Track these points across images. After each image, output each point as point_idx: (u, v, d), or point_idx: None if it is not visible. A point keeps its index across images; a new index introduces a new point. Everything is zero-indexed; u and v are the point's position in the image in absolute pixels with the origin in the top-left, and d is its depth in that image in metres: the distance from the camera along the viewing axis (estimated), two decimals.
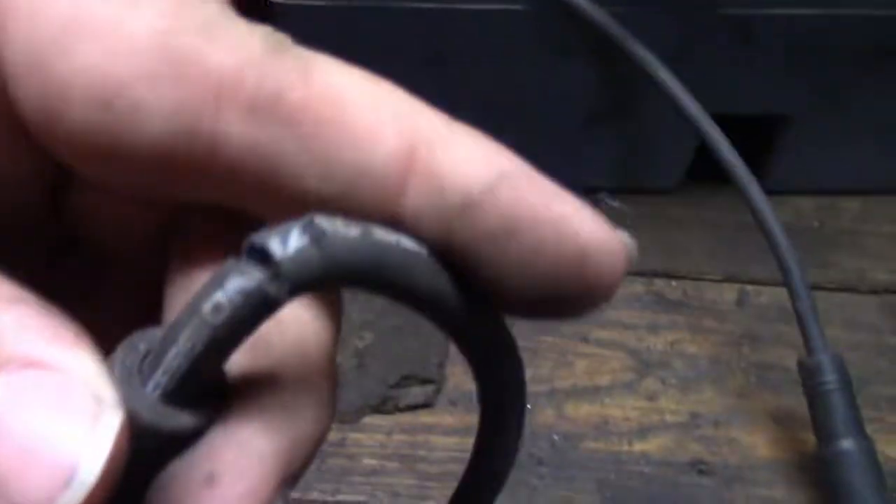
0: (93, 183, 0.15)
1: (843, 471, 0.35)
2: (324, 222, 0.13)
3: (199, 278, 0.15)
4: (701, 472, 0.38)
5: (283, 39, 0.14)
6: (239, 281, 0.13)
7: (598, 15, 0.38)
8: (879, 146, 0.48)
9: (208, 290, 0.14)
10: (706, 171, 0.44)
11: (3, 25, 0.14)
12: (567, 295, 0.15)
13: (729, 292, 0.45)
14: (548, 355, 0.42)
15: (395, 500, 0.37)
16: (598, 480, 0.37)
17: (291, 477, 0.15)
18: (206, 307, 0.13)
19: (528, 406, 0.40)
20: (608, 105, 0.45)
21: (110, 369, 0.14)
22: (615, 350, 0.42)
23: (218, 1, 0.14)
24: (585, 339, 0.43)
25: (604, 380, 0.41)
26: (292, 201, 0.14)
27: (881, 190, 0.50)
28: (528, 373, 0.42)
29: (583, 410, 0.40)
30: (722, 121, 0.46)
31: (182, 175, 0.14)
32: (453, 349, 0.40)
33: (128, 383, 0.14)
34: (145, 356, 0.14)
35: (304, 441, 0.15)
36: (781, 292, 0.40)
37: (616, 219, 0.48)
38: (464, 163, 0.14)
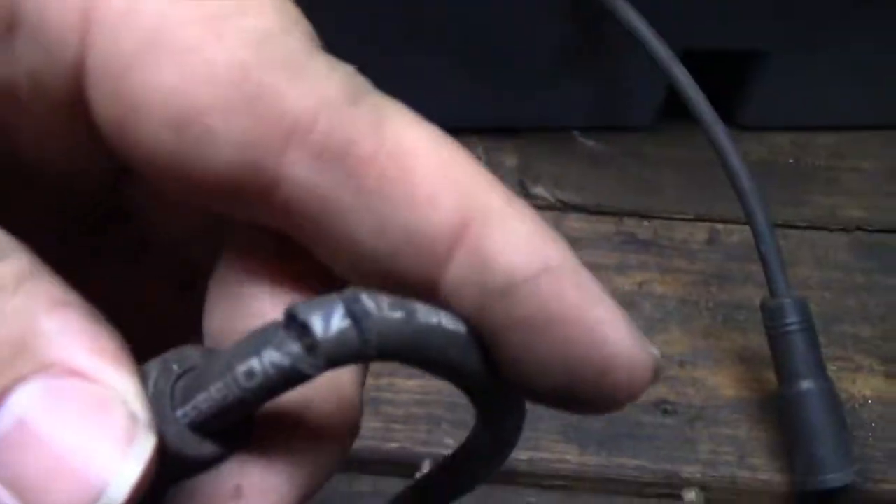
0: (157, 187, 0.16)
1: (803, 410, 0.35)
2: (368, 302, 0.13)
3: (242, 286, 0.16)
4: (665, 411, 0.38)
5: (362, 84, 0.15)
6: (275, 355, 0.13)
7: None
8: (856, 82, 0.47)
9: (245, 352, 0.14)
10: (682, 109, 0.43)
11: (89, 30, 0.14)
12: (585, 397, 0.15)
13: (700, 232, 0.45)
14: None
15: (361, 442, 0.37)
16: (561, 420, 0.38)
17: (310, 496, 0.15)
18: (240, 370, 0.14)
19: None
20: (579, 43, 0.45)
21: (145, 388, 0.14)
22: None
23: (303, 34, 0.15)
24: None
25: None
26: (343, 248, 0.15)
27: (858, 126, 0.49)
28: None
29: None
30: (695, 56, 0.45)
31: (241, 202, 0.15)
32: None
33: (159, 405, 0.14)
34: (178, 378, 0.15)
35: (329, 465, 0.15)
36: None
37: (589, 157, 0.48)
38: (513, 246, 0.14)
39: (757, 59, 0.46)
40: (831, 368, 0.40)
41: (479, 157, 0.49)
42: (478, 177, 0.15)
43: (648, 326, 0.41)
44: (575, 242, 0.44)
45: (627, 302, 0.42)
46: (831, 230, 0.46)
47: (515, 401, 0.17)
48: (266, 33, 0.14)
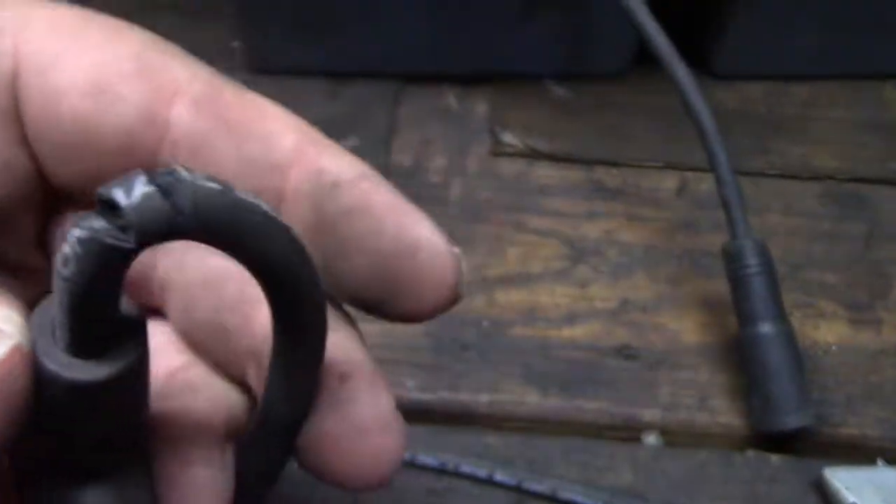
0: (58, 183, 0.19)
1: (762, 352, 0.35)
2: (182, 172, 0.14)
3: None
4: (627, 356, 0.39)
5: (229, 80, 0.19)
6: (79, 232, 0.14)
7: None
8: (828, 31, 0.47)
9: (61, 245, 0.14)
10: (653, 57, 0.43)
11: (20, 48, 0.18)
12: (400, 286, 0.18)
13: (670, 180, 0.45)
14: (482, 243, 0.42)
15: None
16: (523, 364, 0.38)
17: None
18: (58, 259, 0.14)
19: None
20: None
21: (27, 325, 0.15)
22: (550, 238, 0.42)
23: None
24: (521, 227, 0.43)
25: (536, 267, 0.41)
26: (210, 170, 0.17)
27: (832, 75, 0.49)
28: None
29: (513, 297, 0.40)
30: (667, 4, 0.44)
31: (140, 154, 0.18)
32: None
33: (42, 339, 0.15)
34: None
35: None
36: None
37: (560, 105, 0.48)
38: (340, 161, 0.18)
39: (727, 6, 0.46)
40: (796, 315, 0.40)
41: (450, 105, 0.49)
42: (307, 125, 0.19)
43: (614, 273, 0.41)
44: (544, 190, 0.44)
45: (594, 249, 0.42)
46: (802, 179, 0.45)
47: (320, 306, 0.17)
48: (149, 39, 0.19)
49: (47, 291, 0.15)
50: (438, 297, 0.18)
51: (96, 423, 0.16)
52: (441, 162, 0.45)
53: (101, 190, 0.14)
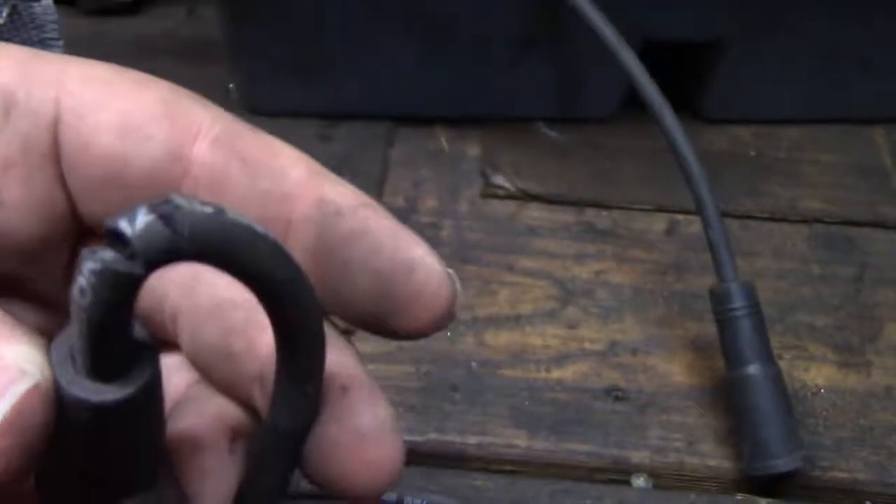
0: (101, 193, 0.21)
1: (750, 395, 0.35)
2: (179, 200, 0.15)
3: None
4: (616, 398, 0.38)
5: (237, 119, 0.21)
6: (91, 264, 0.15)
7: None
8: (817, 74, 0.48)
9: (75, 276, 0.15)
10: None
11: (61, 100, 0.20)
12: (398, 304, 0.19)
13: (659, 222, 0.45)
14: (472, 283, 0.42)
15: None
16: (511, 406, 0.38)
17: None
18: (75, 291, 0.15)
19: (449, 334, 0.40)
20: (539, 33, 0.45)
21: (48, 357, 0.16)
22: (540, 279, 0.42)
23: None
24: (511, 268, 0.43)
25: (526, 308, 0.41)
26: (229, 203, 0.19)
27: (821, 118, 0.50)
28: None
29: (502, 338, 0.40)
30: (656, 48, 0.45)
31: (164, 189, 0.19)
32: None
33: (62, 368, 0.16)
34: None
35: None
36: None
37: (551, 147, 0.48)
38: (342, 190, 0.20)
39: (717, 51, 0.46)
40: (785, 357, 0.40)
41: (442, 147, 0.50)
42: (314, 161, 0.20)
43: (603, 314, 0.41)
44: (534, 231, 0.44)
45: (584, 290, 0.42)
46: (791, 222, 0.46)
47: (317, 316, 0.18)
48: (175, 88, 0.21)
49: None
50: (434, 314, 0.19)
51: (122, 441, 0.17)
52: (432, 203, 0.45)
53: (107, 222, 0.15)
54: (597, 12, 0.38)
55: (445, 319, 0.20)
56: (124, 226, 0.15)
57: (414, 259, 0.19)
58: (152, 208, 0.15)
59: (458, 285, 0.20)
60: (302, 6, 0.44)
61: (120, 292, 0.15)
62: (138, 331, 0.17)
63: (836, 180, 0.47)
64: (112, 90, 0.20)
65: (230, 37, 0.46)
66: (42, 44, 0.45)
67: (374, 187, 0.45)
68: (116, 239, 0.15)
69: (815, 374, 0.40)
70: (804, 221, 0.46)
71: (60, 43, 0.45)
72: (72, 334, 0.16)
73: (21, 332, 0.17)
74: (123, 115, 0.20)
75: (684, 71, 0.49)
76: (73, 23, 0.53)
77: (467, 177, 0.47)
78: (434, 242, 0.43)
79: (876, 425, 0.38)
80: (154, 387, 0.17)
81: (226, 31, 0.46)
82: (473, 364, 0.39)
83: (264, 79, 0.47)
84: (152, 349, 0.17)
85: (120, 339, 0.16)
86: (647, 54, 0.45)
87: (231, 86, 0.50)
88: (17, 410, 0.16)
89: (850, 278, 0.43)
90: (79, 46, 0.51)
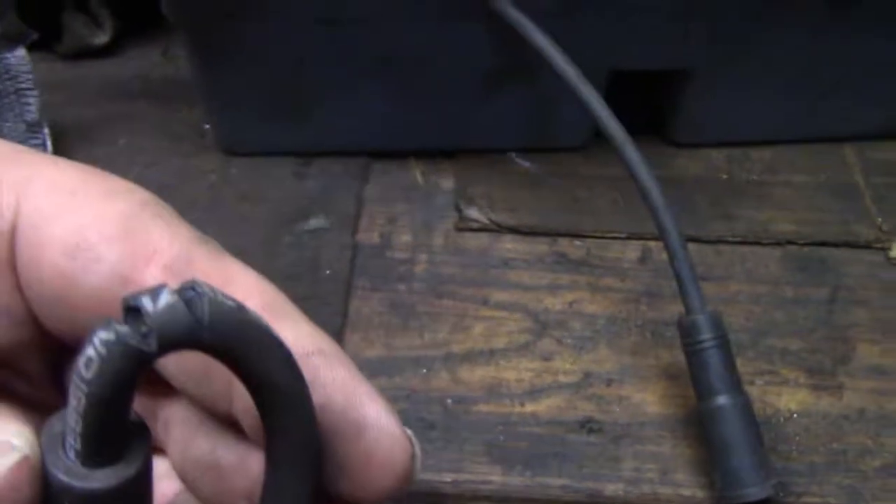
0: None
1: (720, 425, 0.35)
2: (204, 287, 0.15)
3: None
4: (590, 430, 0.39)
5: (208, 238, 0.20)
6: (104, 335, 0.14)
7: None
8: (786, 96, 0.48)
9: (83, 347, 0.15)
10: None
11: (20, 210, 0.19)
12: (342, 468, 0.18)
13: (632, 250, 0.46)
14: (447, 319, 0.42)
15: None
16: (486, 442, 0.38)
17: None
18: (80, 362, 0.15)
19: (424, 371, 0.40)
20: (507, 66, 0.45)
21: (36, 438, 0.16)
22: (514, 312, 0.43)
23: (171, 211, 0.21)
24: (485, 302, 0.43)
25: (500, 342, 0.42)
26: None
27: (792, 139, 0.50)
28: (426, 338, 0.42)
29: (477, 373, 0.40)
30: (623, 76, 0.46)
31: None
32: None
33: (51, 451, 0.16)
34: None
35: None
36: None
37: (524, 178, 0.48)
38: (298, 333, 0.19)
39: (686, 77, 0.47)
40: (758, 383, 0.40)
41: (417, 181, 0.50)
42: (275, 291, 0.20)
43: (578, 345, 0.42)
44: (508, 263, 0.45)
45: (558, 322, 0.42)
46: (764, 244, 0.46)
47: (312, 426, 0.17)
48: (142, 201, 0.20)
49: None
50: (386, 480, 0.18)
51: None
52: (407, 238, 0.46)
53: (128, 297, 0.15)
54: (558, 52, 0.39)
55: (401, 485, 0.18)
56: (146, 301, 0.14)
57: (366, 417, 0.18)
58: (177, 290, 0.15)
59: (417, 449, 0.18)
60: (274, 49, 0.44)
61: (128, 369, 0.15)
62: (133, 416, 0.16)
63: (809, 201, 0.48)
64: (75, 201, 0.19)
65: (203, 80, 0.46)
66: (17, 94, 0.46)
67: (349, 224, 0.46)
68: (135, 314, 0.14)
69: (788, 399, 0.40)
70: (777, 244, 0.46)
71: (35, 93, 0.46)
72: (64, 416, 0.16)
73: (10, 411, 0.17)
74: (77, 231, 0.19)
75: (655, 96, 0.50)
76: (48, 66, 0.53)
77: (442, 210, 0.47)
78: (409, 278, 0.44)
79: (849, 448, 0.38)
80: (143, 474, 0.17)
81: (198, 75, 0.46)
82: (449, 401, 0.39)
83: (239, 120, 0.48)
84: (145, 436, 0.17)
85: (116, 421, 0.16)
86: (618, 81, 0.46)
87: (206, 126, 0.50)
88: (7, 482, 0.16)
89: (823, 300, 0.44)
90: (55, 91, 0.52)
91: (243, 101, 0.47)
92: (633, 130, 0.40)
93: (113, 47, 0.55)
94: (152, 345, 0.14)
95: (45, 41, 0.54)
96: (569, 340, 0.42)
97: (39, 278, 0.19)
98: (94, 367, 0.14)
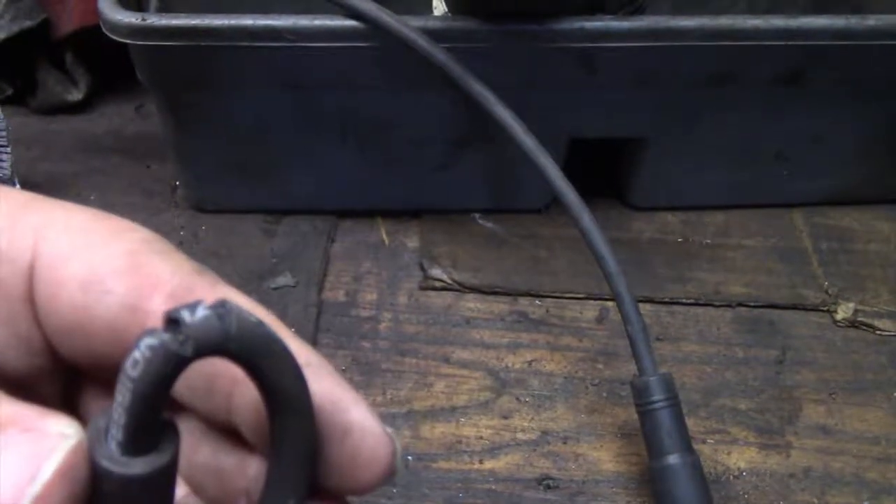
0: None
1: (670, 485, 0.37)
2: (232, 305, 0.18)
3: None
4: (547, 487, 0.40)
5: (206, 269, 0.22)
6: (149, 340, 0.17)
7: (437, 53, 0.40)
8: (736, 164, 0.50)
9: (129, 351, 0.18)
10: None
11: (39, 249, 0.21)
12: (332, 467, 0.20)
13: (590, 309, 0.47)
14: (409, 377, 0.43)
15: None
16: (446, 499, 0.39)
17: None
18: (127, 364, 0.17)
19: (387, 428, 0.41)
20: (469, 131, 0.47)
21: (83, 429, 0.18)
22: (475, 370, 0.44)
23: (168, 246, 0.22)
24: (447, 360, 0.44)
25: (461, 399, 0.43)
26: None
27: (743, 204, 0.52)
28: (389, 395, 0.43)
29: (438, 431, 0.42)
30: (582, 143, 0.47)
31: (123, 343, 0.21)
32: None
33: (95, 442, 0.18)
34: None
35: None
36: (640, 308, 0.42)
37: (487, 239, 0.50)
38: (293, 347, 0.20)
39: (642, 145, 0.49)
40: (709, 442, 0.42)
41: (383, 240, 0.51)
42: (264, 311, 0.21)
43: (536, 404, 0.43)
44: (470, 322, 0.46)
45: (517, 380, 0.44)
46: (716, 306, 0.48)
47: (312, 429, 0.20)
48: (145, 239, 0.22)
49: None
50: (370, 476, 0.20)
51: None
52: (372, 297, 0.47)
53: (170, 310, 0.17)
54: (518, 123, 0.40)
55: (385, 478, 0.21)
56: (185, 314, 0.17)
57: (351, 422, 0.20)
58: (210, 306, 0.18)
59: (397, 444, 0.21)
60: (240, 114, 0.46)
61: (167, 370, 0.17)
62: (165, 415, 0.19)
63: (759, 264, 0.50)
64: (87, 240, 0.22)
65: (173, 140, 0.47)
66: None
67: (316, 282, 0.47)
68: (175, 324, 0.17)
69: (738, 458, 0.41)
70: (728, 306, 0.48)
71: (8, 149, 0.47)
72: (108, 412, 0.18)
73: (55, 411, 0.19)
74: (89, 267, 0.21)
75: (613, 162, 0.52)
76: (23, 121, 0.54)
77: (407, 269, 0.48)
78: (373, 336, 0.45)
79: None
80: (173, 468, 0.19)
81: (169, 135, 0.47)
82: (410, 458, 0.40)
83: (208, 178, 0.49)
84: (175, 433, 0.19)
85: (154, 416, 0.18)
86: (578, 147, 0.48)
87: (176, 183, 0.51)
88: (67, 462, 0.18)
89: (771, 361, 0.45)
90: (29, 146, 0.53)
91: (212, 161, 0.48)
92: (592, 193, 0.42)
93: (87, 103, 0.56)
94: (189, 350, 0.17)
95: (20, 96, 0.55)
96: (527, 398, 0.43)
97: (57, 311, 0.21)
98: (140, 367, 0.17)
